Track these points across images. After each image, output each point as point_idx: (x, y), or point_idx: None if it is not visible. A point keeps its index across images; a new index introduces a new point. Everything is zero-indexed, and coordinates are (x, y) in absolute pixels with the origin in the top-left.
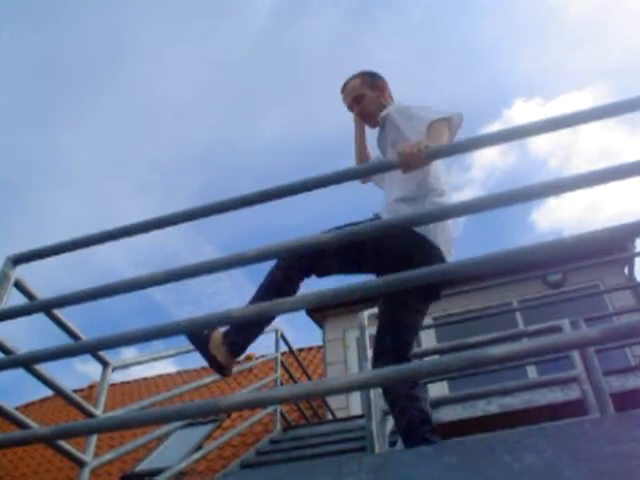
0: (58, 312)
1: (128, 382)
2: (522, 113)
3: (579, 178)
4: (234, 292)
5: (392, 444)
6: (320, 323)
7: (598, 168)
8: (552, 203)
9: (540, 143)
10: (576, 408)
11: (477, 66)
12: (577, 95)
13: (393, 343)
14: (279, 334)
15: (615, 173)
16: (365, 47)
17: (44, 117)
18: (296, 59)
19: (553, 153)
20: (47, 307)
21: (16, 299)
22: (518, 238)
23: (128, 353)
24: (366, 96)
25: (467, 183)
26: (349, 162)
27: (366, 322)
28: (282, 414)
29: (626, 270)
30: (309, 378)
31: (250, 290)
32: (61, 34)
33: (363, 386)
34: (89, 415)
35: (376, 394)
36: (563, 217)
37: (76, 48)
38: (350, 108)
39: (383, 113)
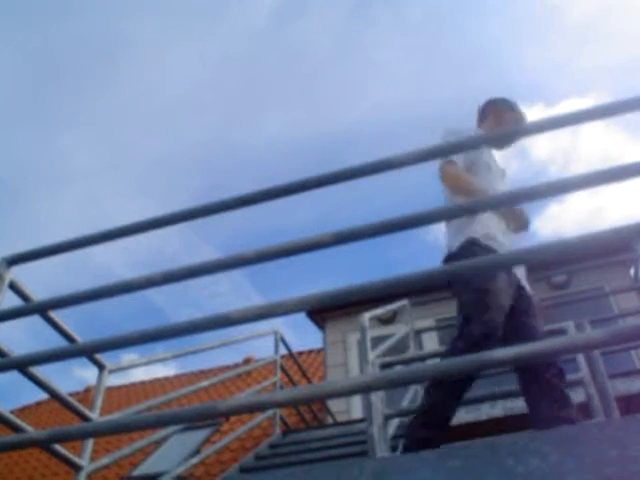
0: (54, 314)
1: (125, 385)
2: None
3: (582, 178)
4: (234, 293)
5: (393, 449)
6: (320, 325)
7: (602, 168)
8: (554, 210)
9: (540, 149)
10: (581, 411)
11: (479, 67)
12: (581, 100)
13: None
14: (278, 336)
15: (618, 174)
16: (366, 46)
17: (41, 117)
18: (296, 59)
19: (553, 160)
20: (43, 309)
21: (11, 301)
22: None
23: (129, 357)
24: None
25: None
26: (348, 162)
27: (367, 324)
28: (282, 418)
29: (632, 271)
30: (309, 381)
31: (250, 291)
32: (59, 32)
33: (364, 389)
34: (85, 419)
35: (377, 397)
36: (565, 224)
37: (74, 47)
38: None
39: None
